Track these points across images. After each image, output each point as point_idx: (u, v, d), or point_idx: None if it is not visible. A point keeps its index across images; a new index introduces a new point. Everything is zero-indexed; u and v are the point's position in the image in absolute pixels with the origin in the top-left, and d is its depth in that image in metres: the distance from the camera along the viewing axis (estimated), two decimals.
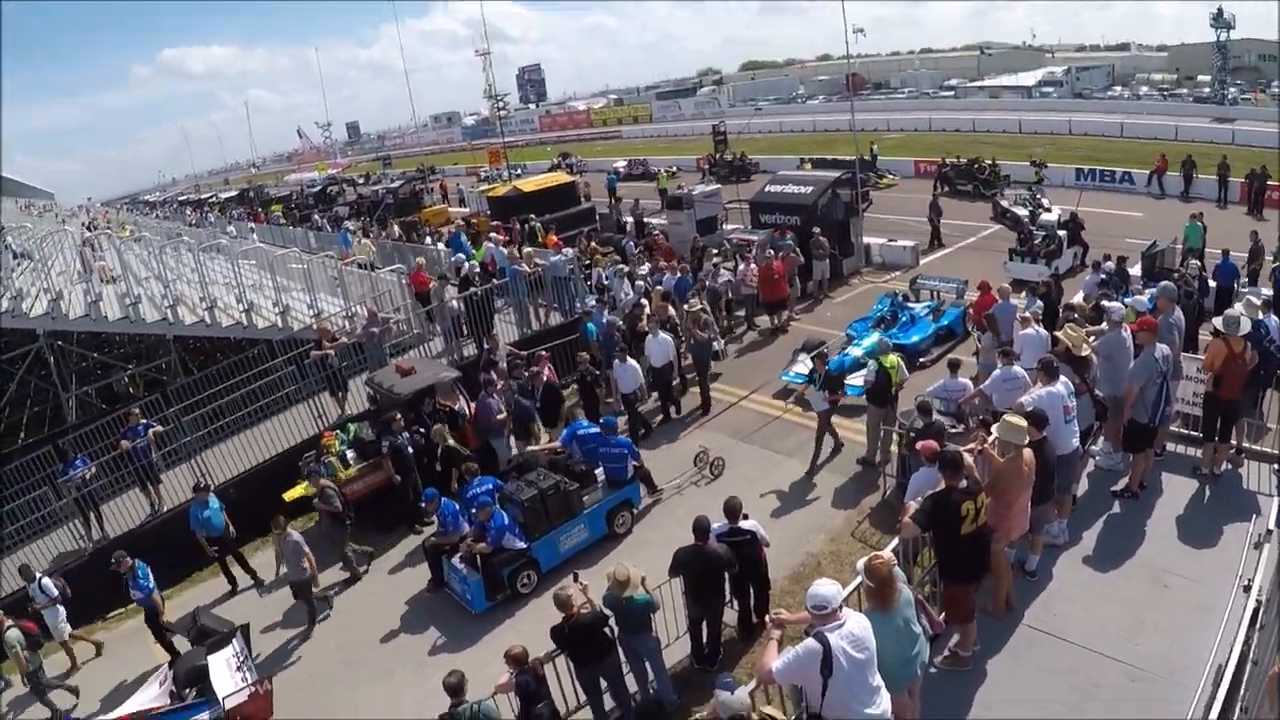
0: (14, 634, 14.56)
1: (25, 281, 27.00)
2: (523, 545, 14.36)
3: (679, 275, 22.75)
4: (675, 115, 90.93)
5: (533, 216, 34.19)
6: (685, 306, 20.69)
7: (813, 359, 18.42)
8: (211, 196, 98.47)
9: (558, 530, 14.81)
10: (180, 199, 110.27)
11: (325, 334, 20.61)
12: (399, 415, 16.92)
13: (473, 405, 18.13)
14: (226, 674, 13.08)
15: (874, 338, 18.91)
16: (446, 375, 18.40)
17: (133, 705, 13.05)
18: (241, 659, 13.48)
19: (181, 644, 14.85)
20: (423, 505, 15.38)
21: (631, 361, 18.56)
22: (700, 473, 16.82)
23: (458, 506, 15.01)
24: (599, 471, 15.77)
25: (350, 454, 17.57)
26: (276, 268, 27.23)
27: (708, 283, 23.47)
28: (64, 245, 38.39)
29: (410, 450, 16.71)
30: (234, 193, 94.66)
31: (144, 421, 18.90)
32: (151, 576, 15.36)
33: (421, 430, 17.05)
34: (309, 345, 20.32)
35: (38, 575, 15.80)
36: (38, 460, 19.77)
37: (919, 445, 10.87)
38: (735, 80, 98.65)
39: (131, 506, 18.79)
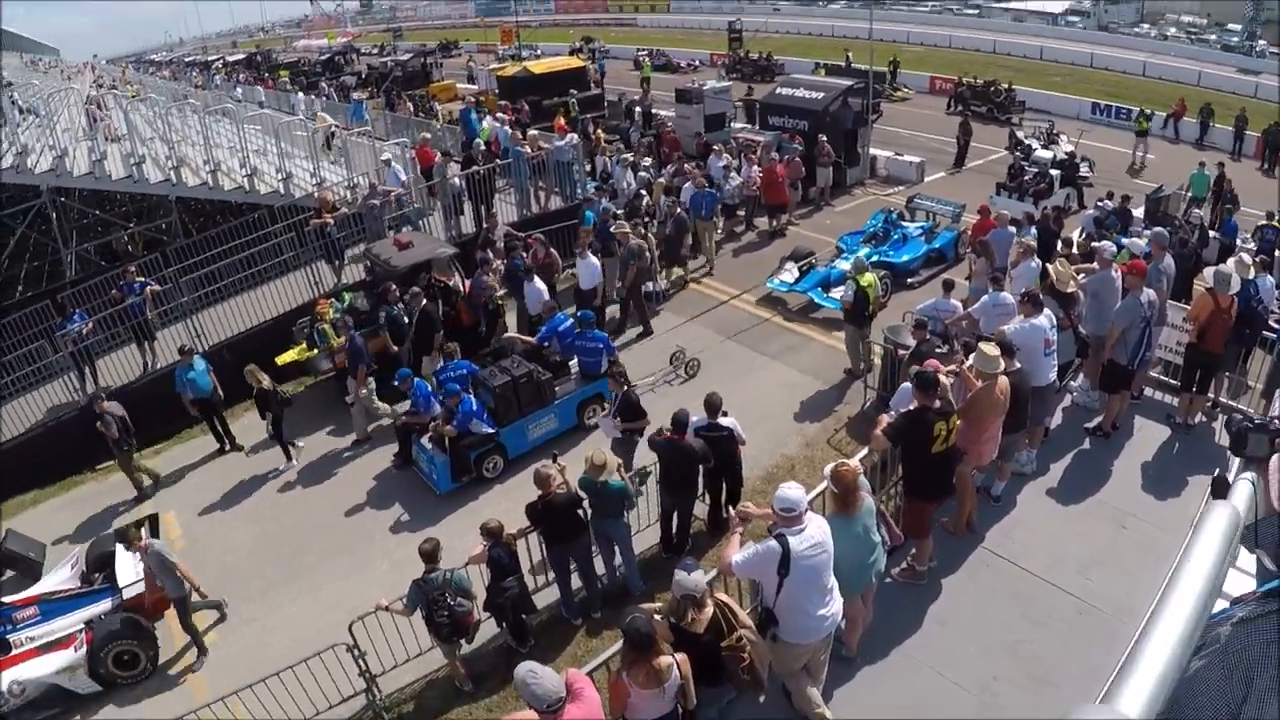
0: None
1: (30, 137, 26.79)
2: (490, 430, 14.64)
3: (698, 189, 21.67)
4: (693, 7, 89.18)
5: (573, 92, 34.09)
6: (619, 226, 19.73)
7: (800, 268, 18.56)
8: (219, 59, 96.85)
9: (527, 418, 15.14)
10: (187, 60, 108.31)
11: (325, 203, 20.68)
12: (394, 287, 17.09)
13: (467, 282, 18.31)
14: (130, 563, 13.50)
15: (860, 252, 18.93)
16: (444, 251, 18.51)
17: (44, 586, 13.52)
18: None
19: None
20: (395, 384, 15.54)
21: (593, 258, 18.37)
22: (675, 371, 17.05)
23: (430, 388, 15.24)
24: (573, 364, 15.97)
25: (340, 323, 17.73)
26: (282, 134, 27.16)
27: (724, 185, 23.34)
28: (69, 102, 38.07)
29: (406, 321, 16.92)
30: (241, 56, 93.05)
31: (140, 279, 19.09)
32: None
33: (403, 302, 17.20)
34: (309, 213, 20.37)
35: None
36: (36, 314, 20.00)
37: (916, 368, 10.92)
38: None
39: (126, 363, 19.03)
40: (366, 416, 16.68)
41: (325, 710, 10.56)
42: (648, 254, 18.91)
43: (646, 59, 55.90)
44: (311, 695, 10.19)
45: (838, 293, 17.83)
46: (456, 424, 14.26)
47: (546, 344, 16.08)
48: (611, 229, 19.31)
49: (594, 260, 18.26)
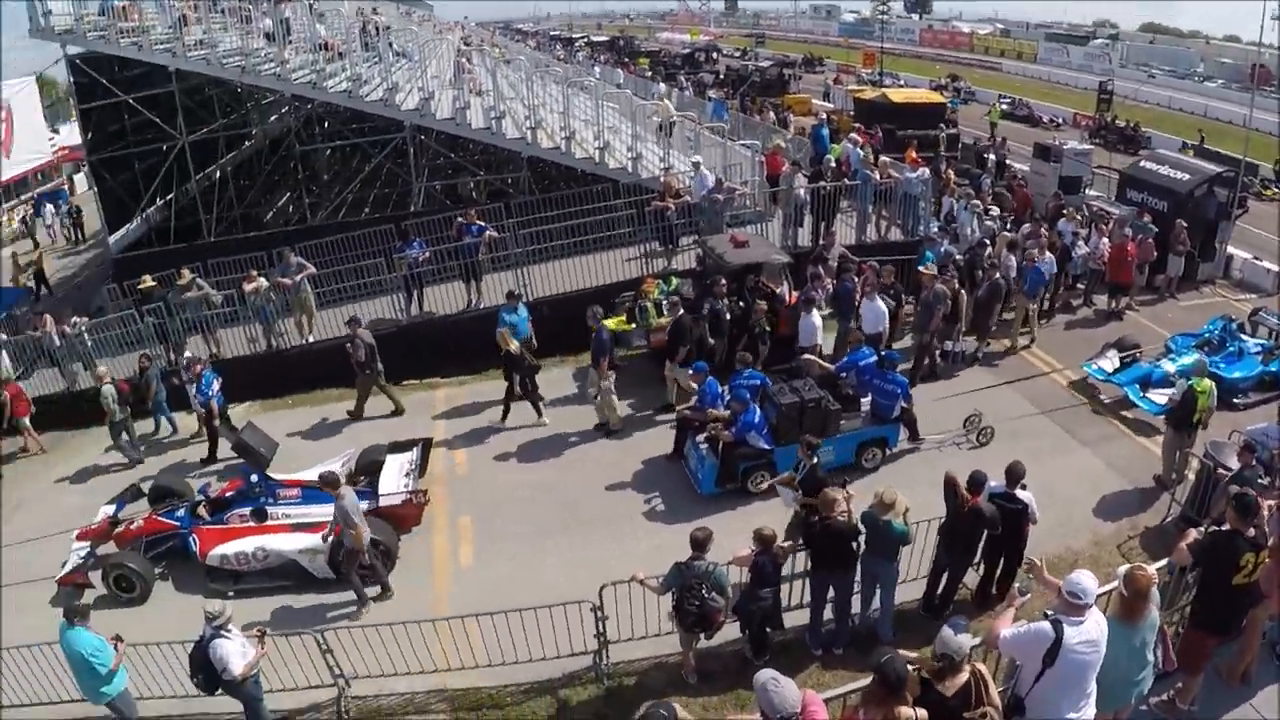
0: (108, 390, 17.19)
1: (402, 78, 28.52)
2: (766, 447, 14.49)
3: (1029, 262, 19.70)
4: (1060, 60, 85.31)
5: (943, 127, 33.44)
6: (928, 269, 18.50)
7: (1122, 358, 17.23)
8: (584, 38, 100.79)
9: None
10: (552, 34, 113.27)
11: (670, 188, 21.01)
12: (723, 282, 17.11)
13: (794, 294, 18.10)
14: (395, 475, 14.69)
15: (1193, 357, 17.28)
16: (777, 258, 18.52)
17: (312, 473, 14.55)
18: (412, 467, 14.96)
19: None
20: (689, 374, 15.59)
21: (815, 315, 17.20)
22: (967, 436, 16.18)
23: (721, 389, 15.18)
24: (865, 401, 15.50)
25: (665, 305, 17.94)
26: (637, 117, 27.78)
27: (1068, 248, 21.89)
28: (440, 52, 40.32)
29: (728, 317, 16.91)
30: (604, 39, 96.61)
31: (480, 223, 19.97)
32: (215, 385, 17.16)
33: (741, 303, 17.19)
34: (652, 195, 20.73)
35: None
36: (379, 235, 21.39)
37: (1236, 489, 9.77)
38: (1131, 39, 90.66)
39: (451, 296, 20.28)
40: (611, 407, 16.97)
41: (551, 657, 10.95)
42: (949, 304, 17.97)
43: (1002, 104, 54.07)
44: (544, 640, 10.69)
45: (1156, 395, 16.54)
46: (735, 432, 14.26)
47: (844, 375, 15.79)
48: (921, 269, 18.57)
49: (880, 305, 17.60)
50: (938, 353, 18.58)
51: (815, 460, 12.60)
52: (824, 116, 37.39)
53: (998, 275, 18.82)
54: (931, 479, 11.76)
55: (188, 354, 18.31)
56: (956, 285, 18.34)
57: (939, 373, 18.43)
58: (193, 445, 18.16)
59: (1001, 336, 19.71)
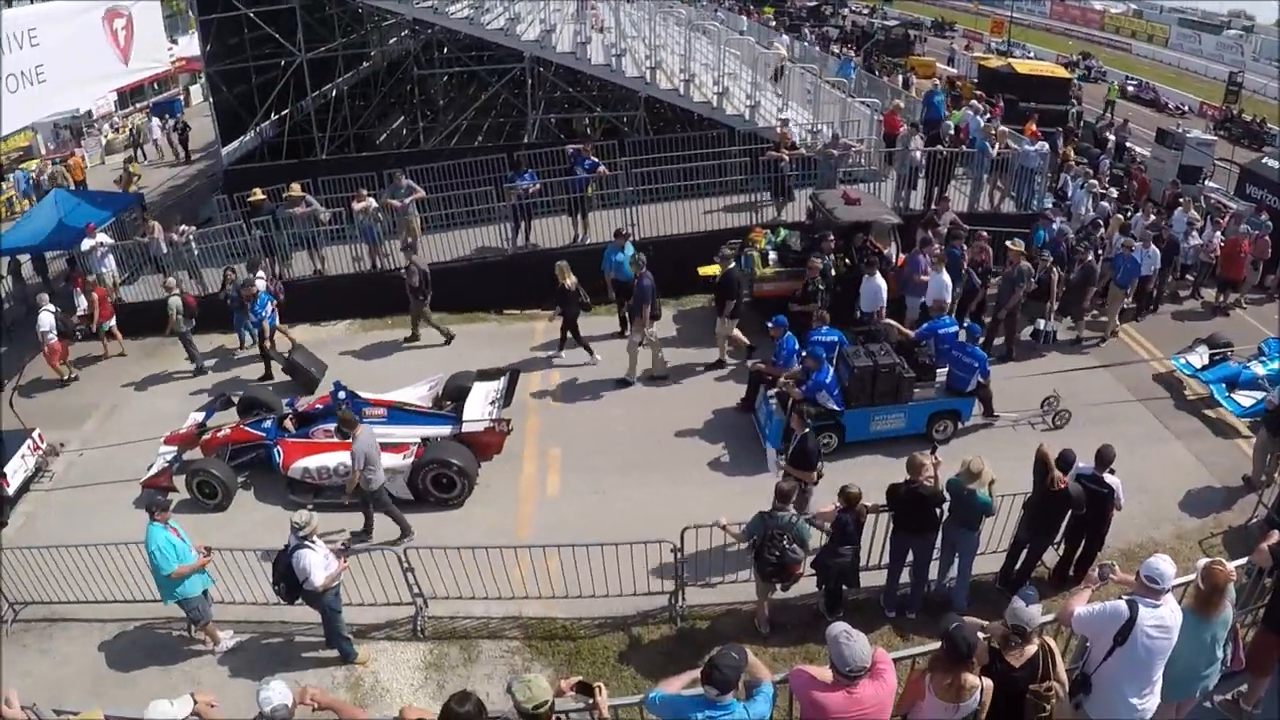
0: (174, 301, 17.89)
1: (524, 8, 28.44)
2: (836, 408, 14.32)
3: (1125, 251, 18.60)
4: (1191, 47, 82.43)
5: (1074, 101, 32.61)
6: (1014, 245, 17.65)
7: (1212, 355, 16.61)
8: None
9: (876, 409, 14.69)
10: None
11: (786, 139, 20.77)
12: (832, 237, 16.87)
13: (901, 256, 17.82)
14: (480, 402, 14.78)
15: None
16: (887, 218, 18.24)
17: (402, 395, 15.11)
18: (498, 396, 15.06)
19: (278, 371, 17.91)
20: (769, 326, 15.45)
21: (879, 278, 16.77)
22: (1043, 417, 15.70)
23: (797, 344, 15.00)
24: (942, 372, 15.18)
25: (772, 256, 17.76)
26: (758, 65, 27.45)
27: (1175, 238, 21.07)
28: None
29: (832, 273, 16.71)
30: None
31: (593, 159, 19.93)
32: (269, 307, 17.74)
33: (847, 260, 16.96)
34: (768, 145, 20.51)
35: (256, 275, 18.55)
36: (491, 163, 21.48)
37: None
38: (1266, 33, 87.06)
39: (557, 229, 20.44)
40: (650, 357, 17.09)
41: (628, 594, 11.08)
42: (1033, 283, 17.39)
43: (1130, 86, 52.43)
44: (622, 576, 10.80)
45: (1242, 396, 15.88)
46: (805, 389, 14.00)
47: (923, 342, 15.43)
48: (1007, 246, 17.63)
49: (945, 277, 16.85)
50: (1030, 332, 18.22)
51: (807, 429, 12.32)
52: (939, 82, 36.45)
53: (1090, 257, 18.29)
54: (1013, 455, 11.61)
55: (245, 275, 18.56)
56: (1050, 264, 17.86)
57: (1014, 354, 17.83)
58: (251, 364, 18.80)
59: (1100, 318, 19.17)
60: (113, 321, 19.76)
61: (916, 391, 14.85)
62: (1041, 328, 18.28)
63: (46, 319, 18.40)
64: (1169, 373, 17.56)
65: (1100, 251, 19.06)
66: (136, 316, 20.14)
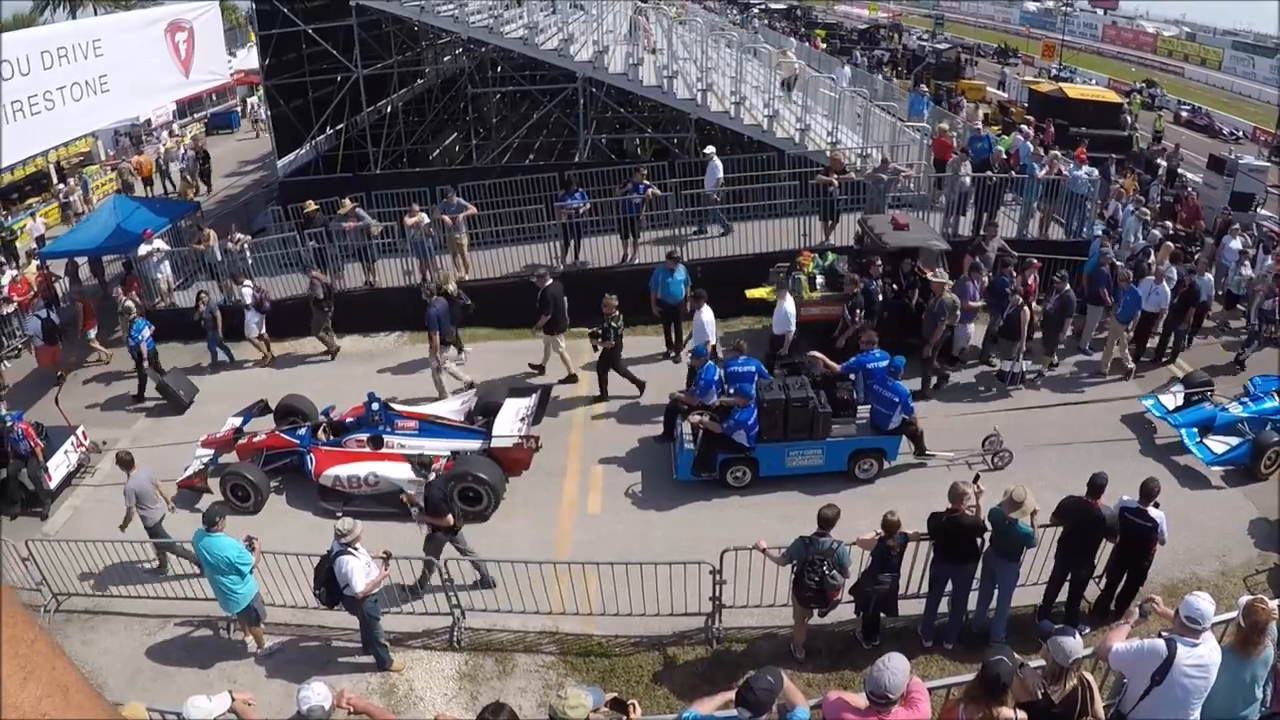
0: (128, 304, 18.79)
1: (577, 29, 28.68)
2: (745, 445, 13.98)
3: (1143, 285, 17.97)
4: (1245, 70, 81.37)
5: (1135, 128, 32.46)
6: (936, 276, 17.11)
7: (1187, 395, 15.79)
8: (761, 4, 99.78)
9: (790, 444, 14.25)
10: None
11: (836, 163, 20.82)
12: (879, 262, 16.91)
13: (949, 283, 17.75)
14: (510, 418, 14.91)
15: (1276, 401, 15.35)
16: (936, 244, 18.17)
17: (434, 408, 15.47)
18: (528, 413, 15.17)
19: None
20: (689, 355, 15.56)
21: (789, 302, 16.58)
22: (983, 458, 14.93)
23: (718, 375, 14.74)
24: (866, 408, 14.70)
25: (820, 279, 17.80)
26: (808, 89, 27.54)
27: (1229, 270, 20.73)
28: (616, 8, 40.47)
29: (878, 299, 16.72)
30: (782, 6, 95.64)
31: (646, 182, 20.11)
32: (145, 331, 18.13)
33: (895, 286, 16.98)
34: (817, 169, 20.58)
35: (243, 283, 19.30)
36: (542, 181, 21.70)
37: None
38: None
39: (606, 249, 20.60)
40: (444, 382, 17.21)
41: (665, 614, 11.21)
42: (957, 313, 16.65)
43: (1182, 111, 51.83)
44: (660, 596, 10.94)
45: (1214, 442, 14.82)
46: (725, 427, 13.76)
47: (850, 376, 14.84)
48: (930, 279, 17.15)
49: (788, 306, 16.64)
50: (995, 373, 17.70)
51: (430, 479, 12.04)
52: (989, 107, 36.14)
53: (1067, 288, 17.28)
54: (942, 496, 10.96)
55: (217, 297, 19.72)
56: (1020, 303, 16.95)
57: (928, 393, 16.98)
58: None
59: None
60: (93, 332, 20.66)
61: (835, 429, 14.37)
62: (1009, 369, 17.41)
63: (33, 323, 19.35)
64: (1131, 415, 16.63)
65: (1061, 281, 17.60)
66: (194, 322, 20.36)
